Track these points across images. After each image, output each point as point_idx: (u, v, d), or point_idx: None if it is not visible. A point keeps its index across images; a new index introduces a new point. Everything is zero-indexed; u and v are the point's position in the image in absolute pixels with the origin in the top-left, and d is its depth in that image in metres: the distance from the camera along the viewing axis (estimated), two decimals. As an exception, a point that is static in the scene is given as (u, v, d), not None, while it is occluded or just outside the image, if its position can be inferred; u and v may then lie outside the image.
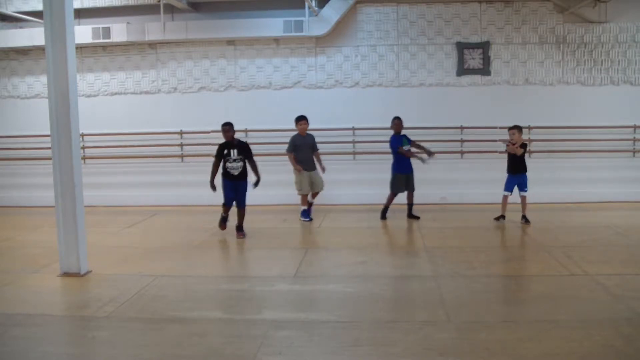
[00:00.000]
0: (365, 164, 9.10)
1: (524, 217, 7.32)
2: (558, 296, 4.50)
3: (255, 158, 6.96)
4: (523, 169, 7.33)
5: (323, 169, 7.94)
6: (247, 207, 7.00)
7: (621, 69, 8.92)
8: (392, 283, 5.08)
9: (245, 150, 6.89)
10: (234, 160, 6.81)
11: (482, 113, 8.95)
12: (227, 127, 6.87)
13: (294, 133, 7.91)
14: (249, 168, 6.93)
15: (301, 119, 7.84)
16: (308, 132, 7.97)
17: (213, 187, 6.83)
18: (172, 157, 9.51)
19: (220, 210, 7.06)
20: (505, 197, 7.40)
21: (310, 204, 7.99)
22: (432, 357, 3.41)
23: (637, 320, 3.91)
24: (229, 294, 4.80)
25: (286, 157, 7.96)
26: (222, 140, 6.92)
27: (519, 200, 7.36)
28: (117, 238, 7.13)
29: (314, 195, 8.00)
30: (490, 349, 3.48)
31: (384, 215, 7.83)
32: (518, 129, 7.29)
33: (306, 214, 7.92)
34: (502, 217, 7.40)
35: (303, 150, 7.82)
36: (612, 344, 3.51)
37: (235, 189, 6.87)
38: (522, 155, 7.28)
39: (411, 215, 7.81)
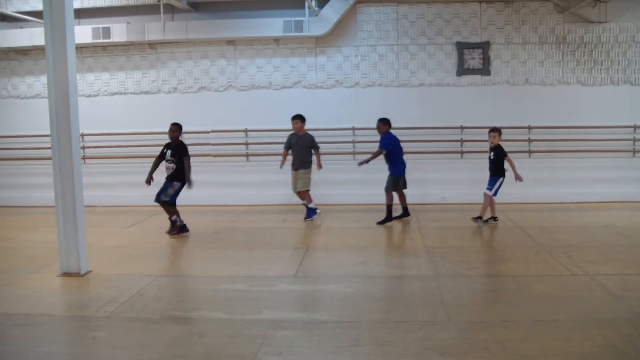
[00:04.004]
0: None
1: (479, 217, 7.30)
2: (558, 296, 4.50)
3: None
4: (498, 172, 7.26)
5: (319, 166, 7.91)
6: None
7: (621, 69, 8.92)
8: (392, 283, 5.08)
9: (178, 151, 6.92)
10: (167, 161, 6.94)
11: (482, 113, 8.94)
12: (174, 127, 7.01)
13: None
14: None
15: (294, 118, 7.90)
16: (310, 132, 7.98)
17: (147, 182, 6.99)
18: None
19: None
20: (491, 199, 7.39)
21: (307, 206, 8.02)
22: (432, 357, 3.41)
23: (637, 320, 3.91)
24: (229, 294, 4.80)
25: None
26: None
27: (501, 200, 7.36)
28: (117, 238, 7.13)
29: (299, 195, 8.02)
30: (490, 349, 3.48)
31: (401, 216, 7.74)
32: (498, 131, 7.28)
33: (313, 212, 7.94)
34: (494, 218, 7.38)
35: (295, 150, 7.89)
36: (612, 344, 3.51)
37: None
38: (500, 159, 7.23)
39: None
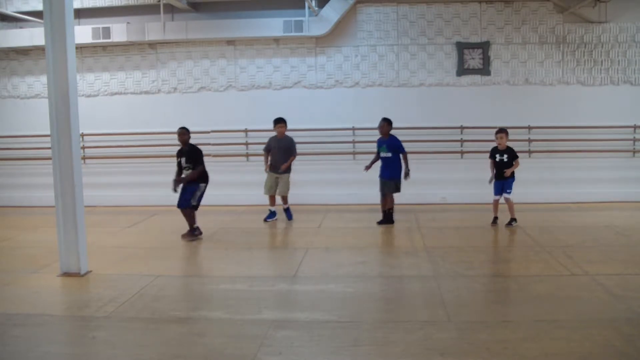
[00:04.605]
0: (365, 164, 9.08)
1: (512, 219, 7.20)
2: (558, 296, 4.50)
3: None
4: (511, 173, 7.17)
5: (283, 168, 7.74)
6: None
7: (621, 69, 8.91)
8: (392, 283, 5.08)
9: (192, 157, 6.85)
10: (184, 168, 6.87)
11: (482, 113, 8.94)
12: (183, 131, 6.92)
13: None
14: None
15: (278, 122, 7.83)
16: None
17: (174, 189, 6.78)
18: (172, 157, 9.42)
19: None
20: (495, 201, 7.34)
21: (287, 209, 7.98)
22: (432, 357, 3.41)
23: (637, 320, 3.91)
24: (229, 294, 4.80)
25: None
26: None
27: (501, 200, 7.29)
28: (117, 238, 7.13)
29: (279, 199, 7.94)
30: (490, 349, 3.48)
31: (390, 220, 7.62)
32: (506, 132, 7.20)
33: (273, 215, 7.93)
34: (495, 218, 7.33)
35: (275, 153, 7.84)
36: (612, 344, 3.51)
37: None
38: (512, 160, 7.16)
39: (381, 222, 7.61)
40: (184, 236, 6.85)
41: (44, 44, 5.19)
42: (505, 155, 7.16)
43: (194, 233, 6.86)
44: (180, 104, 9.48)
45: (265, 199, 7.97)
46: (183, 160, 6.89)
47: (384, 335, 3.75)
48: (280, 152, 7.85)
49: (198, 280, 5.23)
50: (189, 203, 6.82)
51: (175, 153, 7.12)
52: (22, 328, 4.02)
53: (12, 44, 9.32)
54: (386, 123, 7.50)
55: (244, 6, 9.26)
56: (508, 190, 7.21)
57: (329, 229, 7.45)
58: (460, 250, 6.07)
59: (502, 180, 7.18)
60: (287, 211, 7.98)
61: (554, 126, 8.87)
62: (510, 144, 7.31)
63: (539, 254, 5.81)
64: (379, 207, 7.67)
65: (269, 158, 7.87)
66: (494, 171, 7.26)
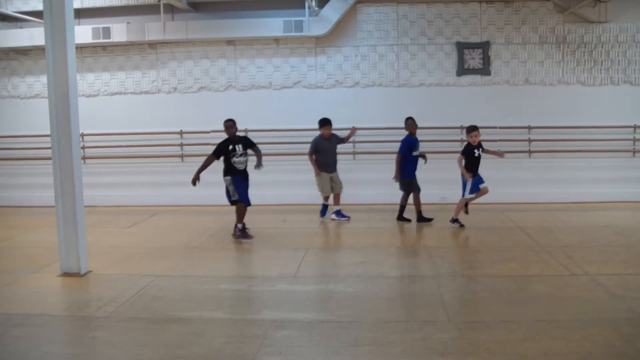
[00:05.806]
0: (365, 164, 9.09)
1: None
2: (558, 296, 4.50)
3: (254, 158, 6.89)
4: (478, 168, 7.20)
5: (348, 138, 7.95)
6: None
7: (621, 69, 8.91)
8: (392, 283, 5.08)
9: (248, 143, 6.85)
10: (241, 155, 6.75)
11: (482, 113, 8.93)
12: (232, 123, 6.83)
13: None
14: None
15: (327, 124, 7.71)
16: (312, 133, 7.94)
17: (195, 181, 6.64)
18: (172, 157, 9.50)
19: (231, 213, 6.83)
20: (470, 199, 7.28)
21: (326, 206, 7.99)
22: (432, 357, 3.41)
23: (637, 320, 3.91)
24: (229, 294, 4.80)
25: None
26: (221, 139, 6.88)
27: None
28: (117, 238, 7.13)
29: (336, 197, 7.93)
30: (490, 349, 3.48)
31: (401, 216, 7.64)
32: (478, 129, 7.17)
33: (341, 213, 7.89)
34: (456, 220, 7.28)
35: (327, 153, 7.77)
36: (612, 344, 3.51)
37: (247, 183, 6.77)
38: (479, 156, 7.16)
39: (422, 219, 7.55)
40: (239, 234, 6.76)
41: (44, 44, 5.19)
42: (480, 149, 7.18)
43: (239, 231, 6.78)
44: (180, 104, 9.48)
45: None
46: (240, 147, 6.73)
47: (384, 335, 3.75)
48: (334, 151, 7.83)
49: (198, 280, 5.22)
50: (248, 198, 6.76)
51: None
52: (22, 328, 4.02)
53: (12, 44, 9.32)
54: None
55: (244, 6, 9.26)
56: (483, 181, 7.17)
57: (329, 229, 7.45)
58: (460, 250, 6.08)
59: (477, 176, 7.16)
60: (339, 212, 7.93)
61: (554, 126, 8.87)
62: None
63: (539, 254, 5.81)
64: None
65: (318, 159, 7.75)
66: (468, 170, 7.12)
